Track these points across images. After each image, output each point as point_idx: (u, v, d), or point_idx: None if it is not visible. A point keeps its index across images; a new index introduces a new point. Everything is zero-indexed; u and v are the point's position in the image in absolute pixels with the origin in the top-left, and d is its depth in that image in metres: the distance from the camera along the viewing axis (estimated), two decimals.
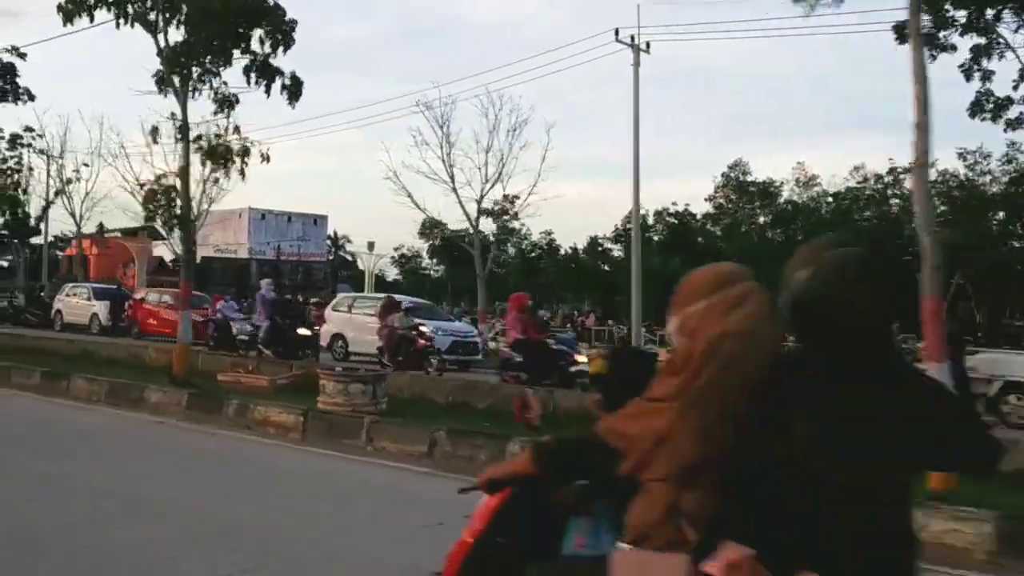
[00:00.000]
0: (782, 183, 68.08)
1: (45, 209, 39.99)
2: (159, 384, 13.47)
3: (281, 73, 14.59)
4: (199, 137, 14.69)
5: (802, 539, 1.94)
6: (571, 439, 2.47)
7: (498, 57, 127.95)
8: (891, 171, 59.63)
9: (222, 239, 62.03)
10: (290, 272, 72.78)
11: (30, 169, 39.18)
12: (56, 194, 39.82)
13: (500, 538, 2.54)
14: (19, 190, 38.74)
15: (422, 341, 17.81)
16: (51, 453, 8.86)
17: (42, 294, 34.50)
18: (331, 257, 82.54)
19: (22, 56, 26.83)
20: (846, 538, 1.95)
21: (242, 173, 15.25)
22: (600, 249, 79.29)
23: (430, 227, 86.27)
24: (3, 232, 61.58)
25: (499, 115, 28.50)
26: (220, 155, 14.70)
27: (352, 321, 23.71)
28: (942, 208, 59.74)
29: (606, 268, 78.08)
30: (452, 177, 28.35)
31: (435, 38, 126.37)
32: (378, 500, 7.75)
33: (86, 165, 40.09)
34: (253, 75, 14.51)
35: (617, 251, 79.54)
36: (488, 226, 71.23)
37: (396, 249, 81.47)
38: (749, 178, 69.89)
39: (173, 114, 14.58)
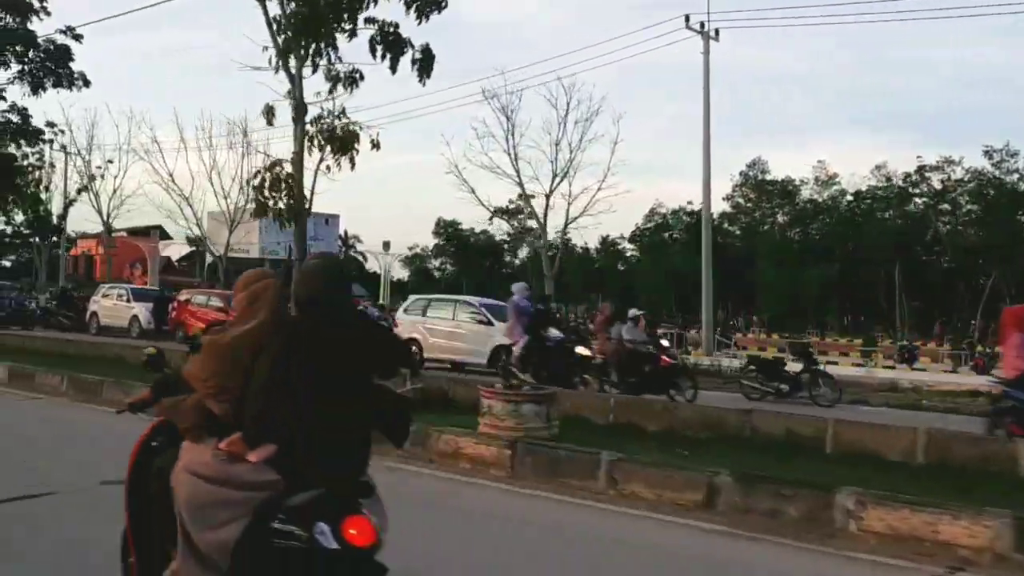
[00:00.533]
0: (802, 182, 66.42)
1: (66, 207, 37.75)
2: None
3: (411, 45, 12.58)
4: (318, 118, 12.70)
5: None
6: (171, 377, 3.86)
7: (498, 58, 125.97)
8: (919, 169, 58.03)
9: (233, 238, 60.35)
10: None
11: (52, 165, 37.00)
12: (79, 191, 37.70)
13: (155, 441, 3.88)
14: (40, 187, 36.55)
15: (666, 359, 14.53)
16: None
17: (74, 294, 32.23)
18: (341, 257, 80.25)
19: (78, 38, 24.46)
20: None
21: (352, 161, 13.22)
22: (613, 249, 77.28)
23: (445, 226, 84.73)
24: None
25: (569, 104, 26.75)
26: (341, 140, 12.70)
27: (428, 325, 21.75)
28: (969, 207, 58.47)
29: (621, 268, 76.34)
30: (518, 171, 26.51)
31: (434, 38, 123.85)
32: (675, 569, 5.87)
33: (110, 162, 38.08)
34: (379, 48, 12.51)
35: (631, 251, 77.81)
36: (503, 226, 69.36)
37: (411, 249, 79.24)
38: (768, 177, 68.24)
39: (290, 91, 12.57)
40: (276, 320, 3.45)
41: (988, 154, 54.86)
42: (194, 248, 75.66)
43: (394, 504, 7.35)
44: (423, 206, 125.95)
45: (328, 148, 12.76)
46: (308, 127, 12.62)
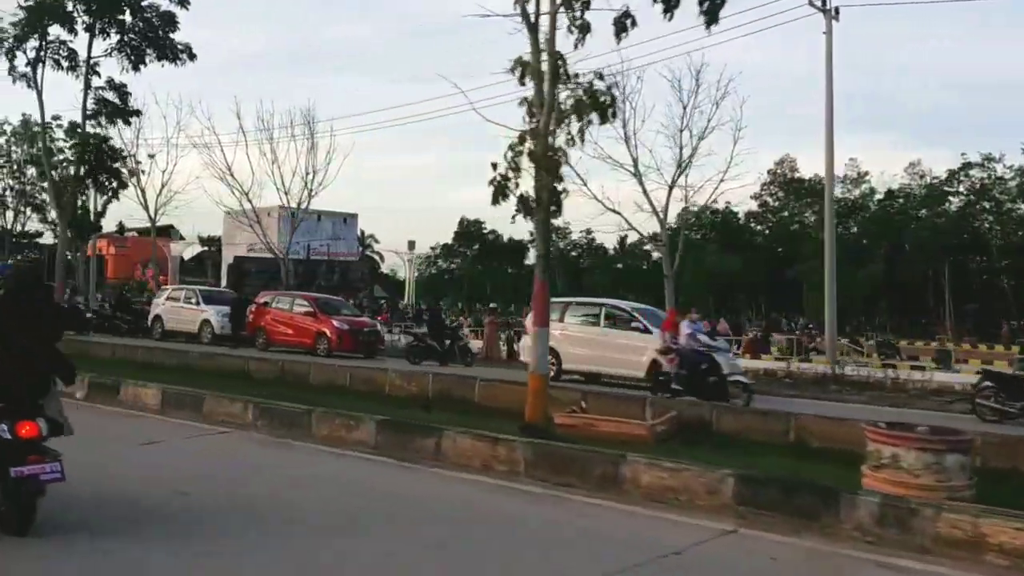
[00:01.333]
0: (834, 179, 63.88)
1: (106, 204, 34.34)
2: (512, 433, 8.57)
3: None
4: (575, 76, 9.80)
5: None
6: None
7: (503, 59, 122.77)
8: (964, 166, 55.69)
9: (252, 238, 57.31)
10: (326, 272, 67.55)
11: None
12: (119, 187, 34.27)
13: None
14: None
15: None
16: None
17: (130, 297, 28.98)
18: (358, 258, 77.00)
19: (184, 3, 20.86)
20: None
21: (581, 134, 10.32)
22: (636, 249, 74.41)
23: (467, 226, 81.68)
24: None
25: (697, 87, 23.96)
26: (602, 104, 9.81)
27: (567, 332, 18.77)
28: (1010, 204, 56.25)
29: (645, 267, 73.46)
30: (635, 161, 23.63)
31: (444, 37, 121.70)
32: None
33: (151, 156, 34.86)
34: None
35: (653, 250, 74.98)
36: (527, 225, 66.52)
37: (432, 248, 76.28)
38: (796, 175, 65.73)
39: (549, 42, 9.65)
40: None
41: None
42: (205, 248, 72.52)
43: None
44: (446, 206, 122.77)
45: (582, 113, 9.84)
46: (563, 88, 9.69)
